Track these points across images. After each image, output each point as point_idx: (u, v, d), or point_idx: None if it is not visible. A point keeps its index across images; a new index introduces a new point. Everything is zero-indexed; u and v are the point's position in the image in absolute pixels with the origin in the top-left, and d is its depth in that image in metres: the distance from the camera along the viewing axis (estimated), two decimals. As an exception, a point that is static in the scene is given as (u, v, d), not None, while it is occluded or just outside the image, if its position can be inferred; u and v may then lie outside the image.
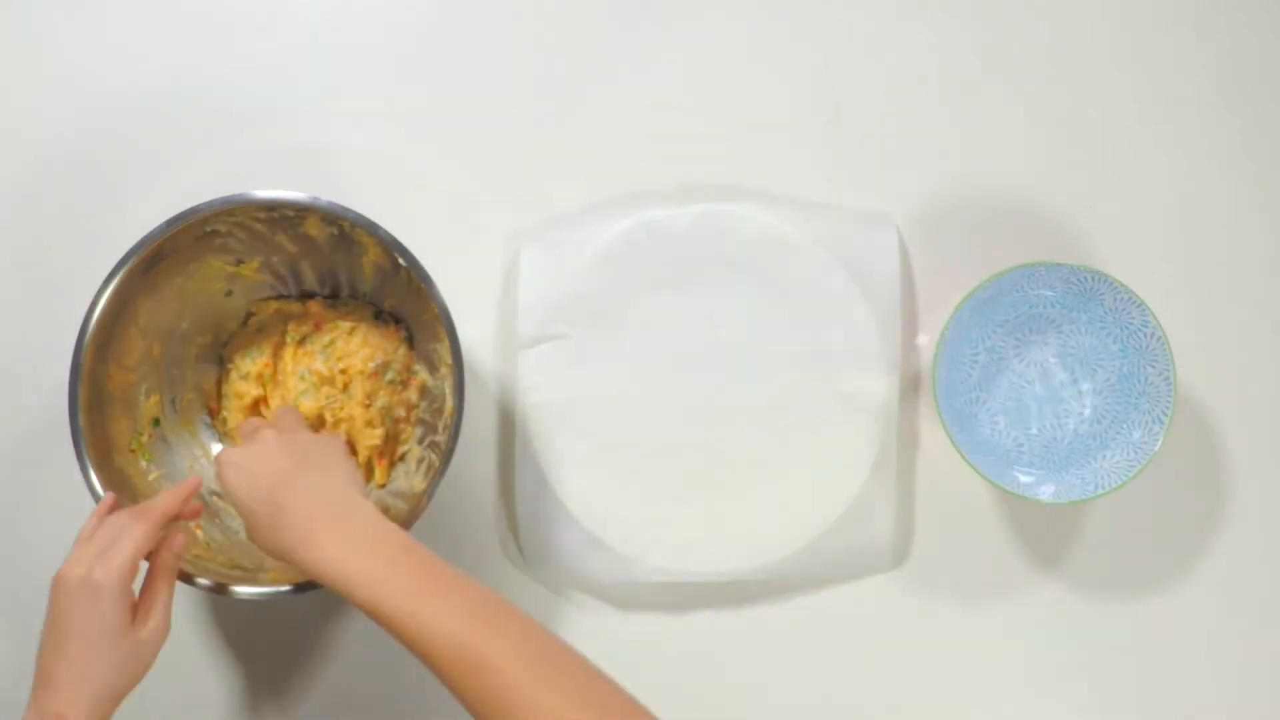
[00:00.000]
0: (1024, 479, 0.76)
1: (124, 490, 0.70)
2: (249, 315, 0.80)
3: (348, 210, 0.69)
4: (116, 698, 0.61)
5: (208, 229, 0.72)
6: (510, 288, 0.81)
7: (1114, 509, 0.80)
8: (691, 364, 0.79)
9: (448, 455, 0.69)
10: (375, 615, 0.55)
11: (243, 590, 0.68)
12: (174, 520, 0.66)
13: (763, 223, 0.79)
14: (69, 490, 0.72)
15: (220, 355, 0.80)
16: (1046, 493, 0.74)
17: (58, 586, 0.61)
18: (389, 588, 0.54)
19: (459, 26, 0.83)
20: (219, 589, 0.69)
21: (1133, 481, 0.73)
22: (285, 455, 0.63)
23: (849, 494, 0.77)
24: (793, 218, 0.79)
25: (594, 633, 0.79)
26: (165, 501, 0.65)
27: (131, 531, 0.61)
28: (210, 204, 0.69)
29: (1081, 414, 0.79)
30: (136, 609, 0.62)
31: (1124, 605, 0.80)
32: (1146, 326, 0.74)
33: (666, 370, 0.79)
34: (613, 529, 0.78)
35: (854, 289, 0.79)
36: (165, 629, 0.63)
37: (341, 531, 0.58)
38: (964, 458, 0.73)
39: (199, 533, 0.74)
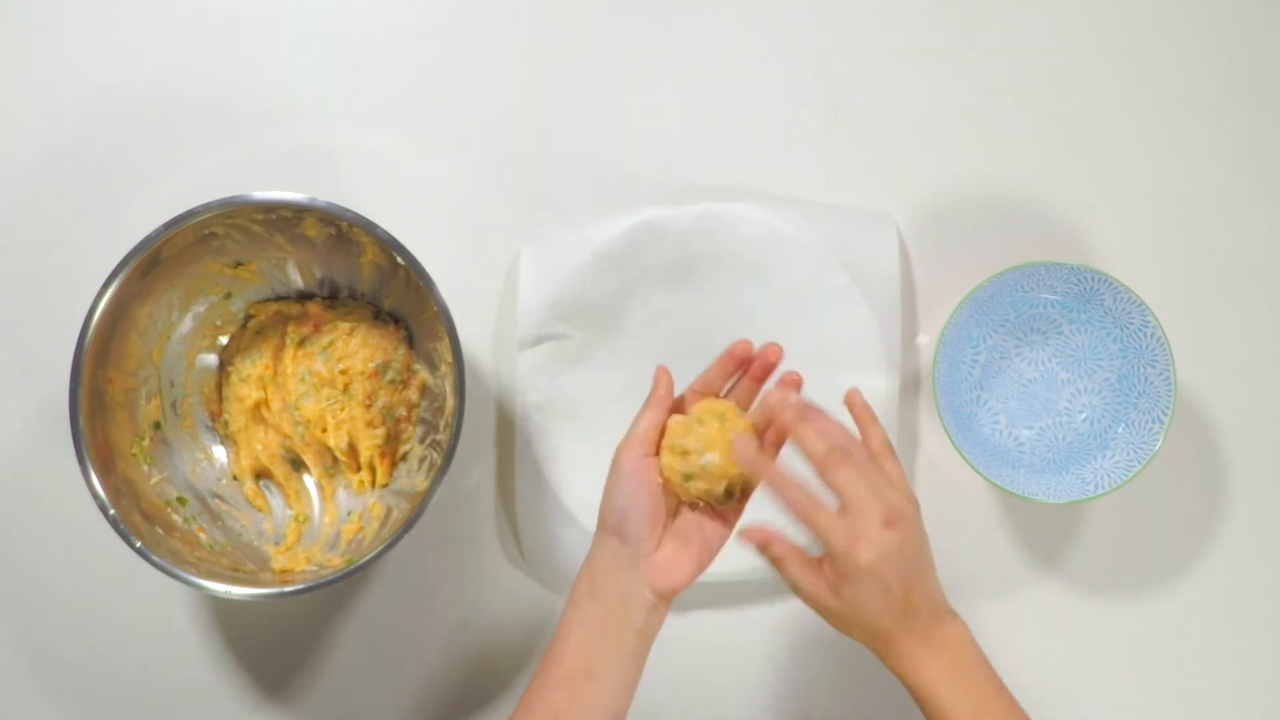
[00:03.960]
0: (1024, 479, 0.76)
1: (128, 495, 0.70)
2: (248, 317, 0.80)
3: (345, 210, 0.69)
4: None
5: (205, 231, 0.71)
6: (510, 287, 0.81)
7: (1114, 509, 0.80)
8: (691, 364, 0.79)
9: (449, 453, 0.69)
10: None
11: (244, 591, 0.68)
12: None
13: (763, 222, 0.79)
14: (71, 495, 0.72)
15: (220, 358, 0.80)
16: (1046, 493, 0.74)
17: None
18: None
19: (459, 26, 0.83)
20: (221, 590, 0.68)
21: (1133, 481, 0.73)
22: (918, 556, 0.60)
23: None
24: (793, 217, 0.79)
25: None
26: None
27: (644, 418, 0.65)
28: (207, 206, 0.69)
29: (1081, 414, 0.79)
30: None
31: (1124, 605, 0.80)
32: (1146, 326, 0.74)
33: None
34: None
35: (854, 289, 0.78)
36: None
37: (948, 652, 0.59)
38: (964, 458, 0.73)
39: (202, 535, 0.74)
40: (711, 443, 0.62)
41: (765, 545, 0.61)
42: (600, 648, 0.61)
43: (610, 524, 0.63)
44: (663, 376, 0.66)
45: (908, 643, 0.59)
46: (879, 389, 0.78)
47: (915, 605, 0.59)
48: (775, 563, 0.61)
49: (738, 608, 0.80)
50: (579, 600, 0.63)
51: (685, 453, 0.62)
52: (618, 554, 0.62)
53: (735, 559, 0.78)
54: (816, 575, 0.60)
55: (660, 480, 0.63)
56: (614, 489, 0.63)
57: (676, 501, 0.65)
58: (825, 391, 0.78)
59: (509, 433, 0.80)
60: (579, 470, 0.78)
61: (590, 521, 0.77)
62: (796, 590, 0.61)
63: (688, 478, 0.62)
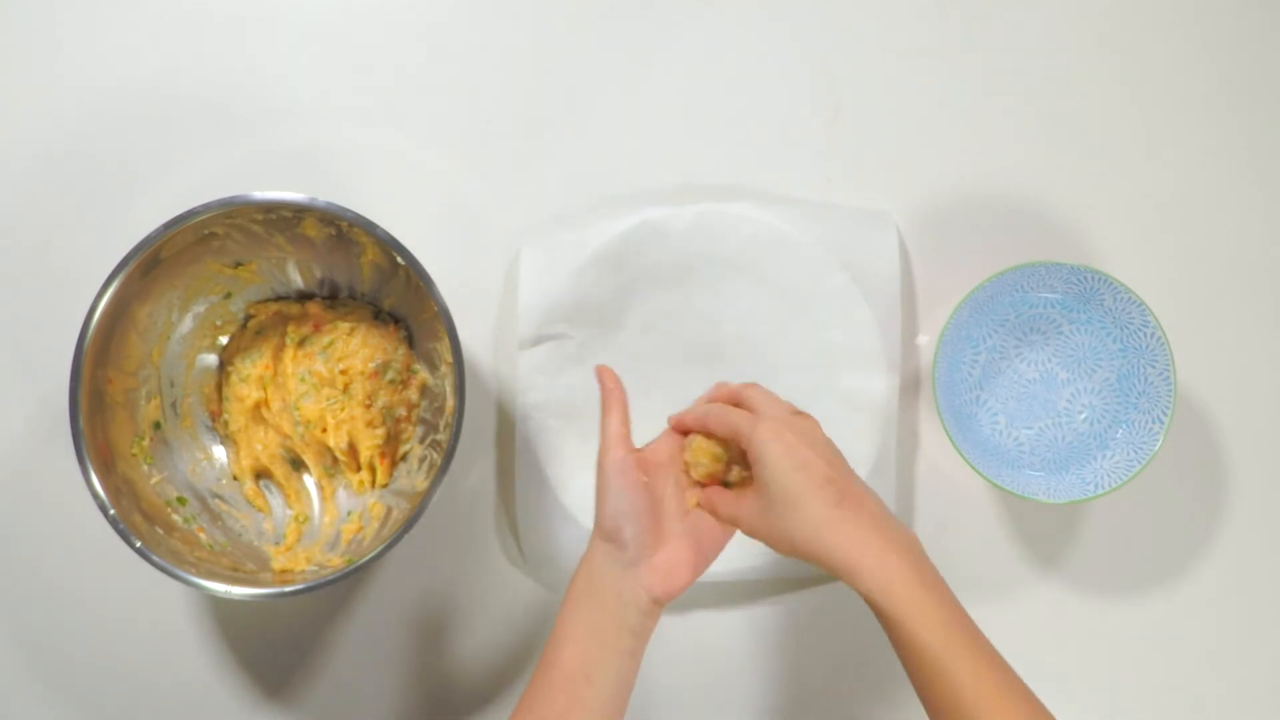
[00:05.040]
0: (1023, 479, 0.76)
1: (128, 495, 0.70)
2: (248, 317, 0.80)
3: (345, 210, 0.69)
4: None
5: (205, 231, 0.71)
6: (510, 287, 0.81)
7: (1114, 509, 0.80)
8: (691, 364, 0.79)
9: (449, 453, 0.69)
10: (900, 633, 0.57)
11: (244, 591, 0.68)
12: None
13: (763, 222, 0.79)
14: (71, 495, 0.72)
15: (220, 358, 0.80)
16: (1046, 493, 0.74)
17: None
18: (928, 621, 0.56)
19: (459, 26, 0.83)
20: (221, 590, 0.68)
21: (1133, 481, 0.73)
22: (834, 453, 0.62)
23: None
24: (792, 217, 0.79)
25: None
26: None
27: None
28: (207, 206, 0.69)
29: (1081, 414, 0.79)
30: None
31: (1124, 605, 0.80)
32: (1146, 326, 0.74)
33: (666, 370, 0.79)
34: None
35: (854, 288, 0.78)
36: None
37: (903, 556, 0.57)
38: (964, 458, 0.73)
39: (202, 535, 0.74)
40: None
41: (704, 503, 0.65)
42: (598, 650, 0.61)
43: (608, 529, 0.63)
44: (606, 376, 0.67)
45: (859, 535, 0.57)
46: (879, 389, 0.78)
47: (850, 492, 0.59)
48: (712, 512, 0.65)
49: (736, 607, 0.80)
50: (576, 602, 0.63)
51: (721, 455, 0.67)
52: (615, 557, 0.63)
53: (734, 558, 0.78)
54: (748, 500, 0.62)
55: (644, 479, 0.64)
56: (606, 494, 0.63)
57: (681, 505, 0.65)
58: (825, 391, 0.79)
59: (509, 433, 0.80)
60: (579, 470, 0.78)
61: (590, 521, 0.77)
62: (740, 526, 0.63)
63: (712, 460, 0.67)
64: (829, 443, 0.62)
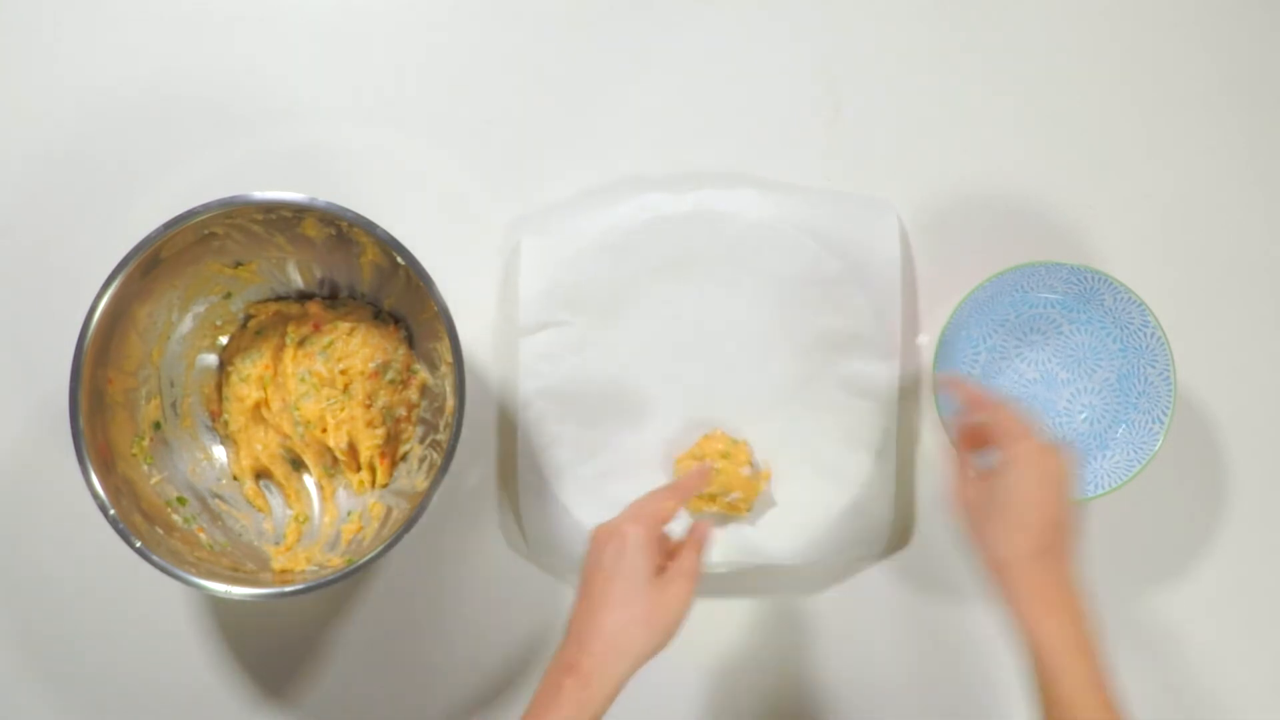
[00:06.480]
0: (1024, 479, 0.76)
1: (128, 495, 0.70)
2: (248, 317, 0.80)
3: (345, 210, 0.69)
4: (631, 654, 0.59)
5: (205, 231, 0.71)
6: (509, 284, 0.81)
7: (1114, 509, 0.80)
8: (691, 351, 0.79)
9: (449, 454, 0.69)
10: (1043, 684, 0.61)
11: (244, 591, 0.68)
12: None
13: (761, 209, 0.78)
14: (72, 495, 0.72)
15: (220, 358, 0.80)
16: (1046, 493, 0.74)
17: (593, 538, 0.63)
18: (1070, 681, 0.61)
19: (459, 26, 0.83)
20: (221, 590, 0.69)
21: (1133, 481, 0.73)
22: (1071, 500, 0.64)
23: (850, 484, 0.77)
24: (792, 204, 0.79)
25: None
26: (690, 482, 0.68)
27: (660, 496, 0.64)
28: (207, 206, 0.69)
29: (1081, 414, 0.79)
30: (663, 571, 0.62)
31: (1124, 605, 0.80)
32: (1146, 326, 0.74)
33: (667, 357, 0.79)
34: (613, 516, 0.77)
35: (853, 275, 0.78)
36: (687, 599, 0.61)
37: (1063, 621, 0.61)
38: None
39: (202, 535, 0.74)
40: (730, 484, 0.76)
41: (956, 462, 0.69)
42: None
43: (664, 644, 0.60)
44: (694, 479, 0.69)
45: (1035, 587, 0.61)
46: (879, 375, 0.78)
47: (1054, 547, 0.62)
48: (958, 472, 0.68)
49: (737, 596, 0.80)
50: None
51: (714, 497, 0.76)
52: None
53: (735, 547, 0.78)
54: (982, 491, 0.65)
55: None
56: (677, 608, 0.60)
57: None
58: (827, 377, 0.79)
59: (510, 428, 0.80)
60: (580, 458, 0.78)
61: (590, 510, 0.77)
62: (962, 505, 0.66)
63: (710, 500, 0.77)
64: (1071, 489, 0.64)
